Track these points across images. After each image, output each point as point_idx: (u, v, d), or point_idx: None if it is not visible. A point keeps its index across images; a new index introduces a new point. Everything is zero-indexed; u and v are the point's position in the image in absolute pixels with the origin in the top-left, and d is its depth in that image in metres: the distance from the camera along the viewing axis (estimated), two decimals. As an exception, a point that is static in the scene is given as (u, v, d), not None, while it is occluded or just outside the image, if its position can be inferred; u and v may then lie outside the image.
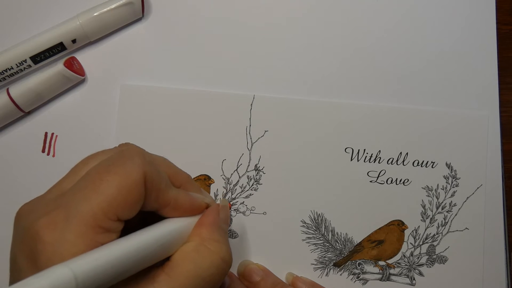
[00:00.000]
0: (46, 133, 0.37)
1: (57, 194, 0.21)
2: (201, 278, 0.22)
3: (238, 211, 0.36)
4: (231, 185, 0.36)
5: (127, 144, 0.25)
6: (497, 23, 0.38)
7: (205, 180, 0.36)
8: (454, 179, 0.36)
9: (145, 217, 0.24)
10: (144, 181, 0.21)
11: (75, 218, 0.19)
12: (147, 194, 0.22)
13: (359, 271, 0.36)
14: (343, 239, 0.36)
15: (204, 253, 0.23)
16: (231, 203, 0.36)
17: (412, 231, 0.36)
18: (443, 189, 0.36)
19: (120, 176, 0.20)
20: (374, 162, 0.36)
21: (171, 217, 0.24)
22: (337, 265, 0.36)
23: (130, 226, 0.22)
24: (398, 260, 0.36)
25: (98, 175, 0.21)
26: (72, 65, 0.36)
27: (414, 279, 0.36)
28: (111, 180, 0.20)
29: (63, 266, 0.16)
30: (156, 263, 0.22)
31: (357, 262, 0.36)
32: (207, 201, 0.26)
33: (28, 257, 0.19)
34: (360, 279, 0.36)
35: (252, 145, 0.36)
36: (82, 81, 0.37)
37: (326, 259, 0.36)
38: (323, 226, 0.36)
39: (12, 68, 0.35)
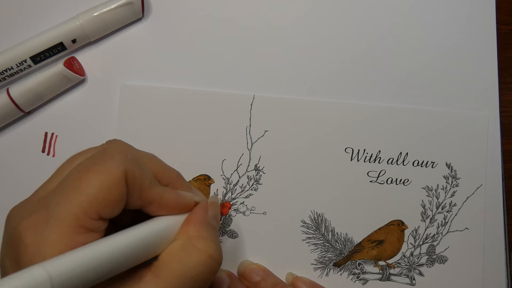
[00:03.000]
0: (46, 133, 0.37)
1: (42, 195, 0.21)
2: (188, 278, 0.21)
3: (238, 211, 0.36)
4: (231, 185, 0.36)
5: (114, 141, 0.25)
6: (497, 23, 0.38)
7: (205, 180, 0.36)
8: (454, 179, 0.36)
9: (137, 218, 0.24)
10: (125, 179, 0.21)
11: (56, 219, 0.19)
12: (130, 192, 0.21)
13: (359, 271, 0.36)
14: (343, 239, 0.36)
15: (191, 251, 0.22)
16: (231, 203, 0.36)
17: (412, 231, 0.36)
18: (443, 189, 0.36)
19: (101, 174, 0.20)
20: (374, 162, 0.36)
21: (158, 215, 0.23)
22: (337, 265, 0.36)
23: (121, 227, 0.21)
24: (398, 260, 0.36)
25: (79, 174, 0.20)
26: (72, 65, 0.36)
27: (414, 279, 0.36)
28: (91, 178, 0.20)
29: (38, 266, 0.16)
30: (144, 263, 0.21)
31: (357, 262, 0.36)
32: (196, 199, 0.26)
33: (12, 259, 0.19)
34: (360, 279, 0.36)
35: (252, 145, 0.36)
36: (82, 81, 0.37)
37: (326, 259, 0.36)
38: (323, 226, 0.36)
39: (12, 68, 0.35)
